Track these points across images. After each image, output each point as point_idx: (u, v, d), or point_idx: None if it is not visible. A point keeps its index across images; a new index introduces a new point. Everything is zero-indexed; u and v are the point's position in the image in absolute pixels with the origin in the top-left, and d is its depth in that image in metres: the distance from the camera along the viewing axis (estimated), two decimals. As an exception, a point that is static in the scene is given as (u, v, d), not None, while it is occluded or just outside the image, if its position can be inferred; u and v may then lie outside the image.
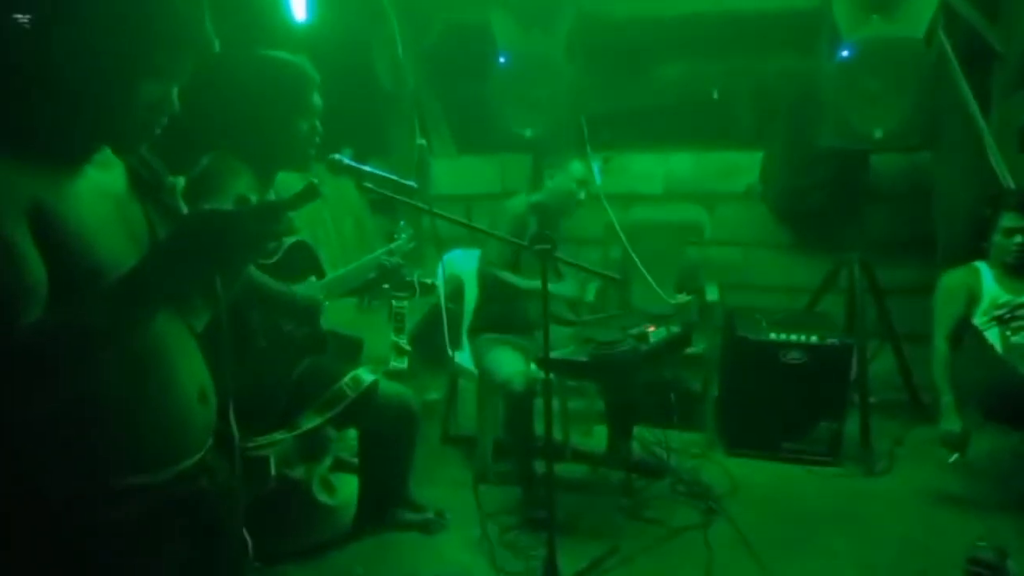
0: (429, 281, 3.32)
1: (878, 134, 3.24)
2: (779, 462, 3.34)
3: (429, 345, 3.59)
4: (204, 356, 1.33)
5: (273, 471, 2.35)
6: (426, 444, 3.24)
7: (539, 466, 2.93)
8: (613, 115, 4.51)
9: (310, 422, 2.39)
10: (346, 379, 2.46)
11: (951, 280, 3.14)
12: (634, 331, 2.88)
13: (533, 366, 2.94)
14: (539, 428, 2.76)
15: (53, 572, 1.15)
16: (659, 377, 3.48)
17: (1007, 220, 3.02)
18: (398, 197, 2.02)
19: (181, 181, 1.41)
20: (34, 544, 1.12)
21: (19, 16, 1.08)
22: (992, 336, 3.01)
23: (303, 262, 2.36)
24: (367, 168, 2.00)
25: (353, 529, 2.75)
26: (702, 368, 3.70)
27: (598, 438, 3.47)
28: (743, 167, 4.46)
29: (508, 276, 3.13)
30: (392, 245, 2.63)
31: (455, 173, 4.84)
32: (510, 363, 2.98)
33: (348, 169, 1.98)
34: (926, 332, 3.16)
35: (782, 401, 3.32)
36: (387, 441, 2.65)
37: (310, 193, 1.15)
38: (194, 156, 2.06)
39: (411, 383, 2.83)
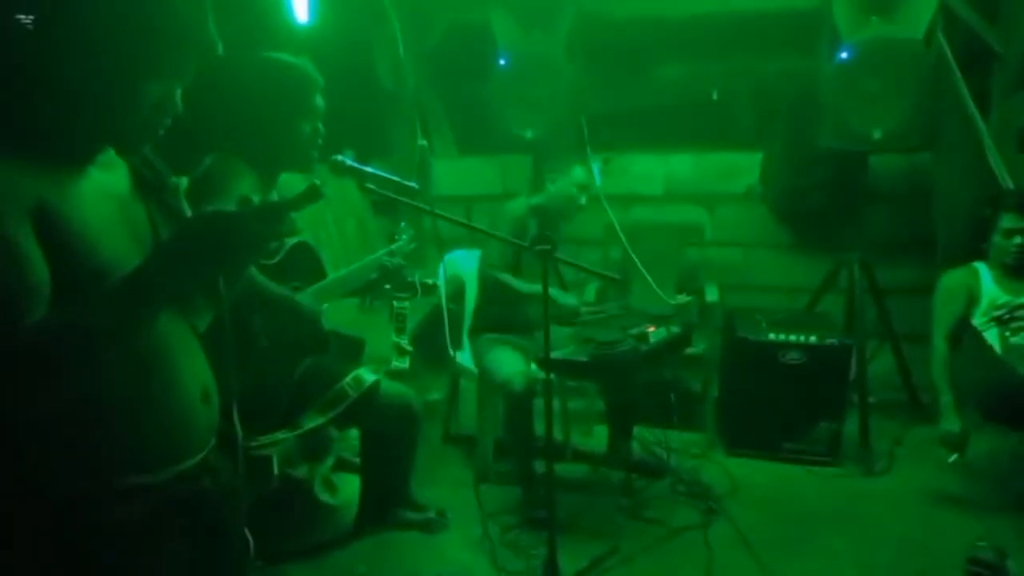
0: (430, 281, 3.33)
1: (877, 135, 3.24)
2: (779, 462, 3.34)
3: (430, 345, 3.60)
4: (207, 356, 1.34)
5: (275, 471, 2.35)
6: (427, 444, 3.24)
7: (539, 466, 2.94)
8: (613, 116, 4.51)
9: (312, 422, 2.39)
10: (348, 379, 2.46)
11: (950, 280, 3.15)
12: (634, 331, 2.88)
13: (533, 366, 2.95)
14: (539, 428, 2.77)
15: (55, 572, 1.15)
16: (659, 377, 3.49)
17: (1006, 221, 3.03)
18: (400, 198, 2.02)
19: (184, 182, 1.41)
20: (36, 544, 1.13)
21: (22, 17, 1.09)
22: (991, 337, 3.02)
23: (305, 263, 2.37)
24: (369, 169, 2.00)
25: (355, 528, 2.76)
26: (702, 368, 3.71)
27: (598, 438, 3.47)
28: (743, 168, 4.46)
29: (508, 279, 3.13)
30: (393, 246, 2.63)
31: (456, 174, 4.85)
32: (510, 363, 2.99)
33: (350, 170, 1.99)
34: (926, 332, 3.17)
35: (782, 401, 3.32)
36: (389, 441, 2.66)
37: (312, 194, 1.16)
38: (197, 157, 2.06)
39: (412, 383, 2.84)
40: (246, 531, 1.40)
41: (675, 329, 3.00)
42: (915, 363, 3.65)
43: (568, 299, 3.27)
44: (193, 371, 1.28)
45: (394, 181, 2.02)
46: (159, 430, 1.21)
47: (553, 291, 2.56)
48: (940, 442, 2.96)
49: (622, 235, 3.58)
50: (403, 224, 2.73)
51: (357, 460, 2.85)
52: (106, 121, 1.16)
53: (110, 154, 1.22)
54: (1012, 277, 3.04)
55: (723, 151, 4.57)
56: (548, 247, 2.20)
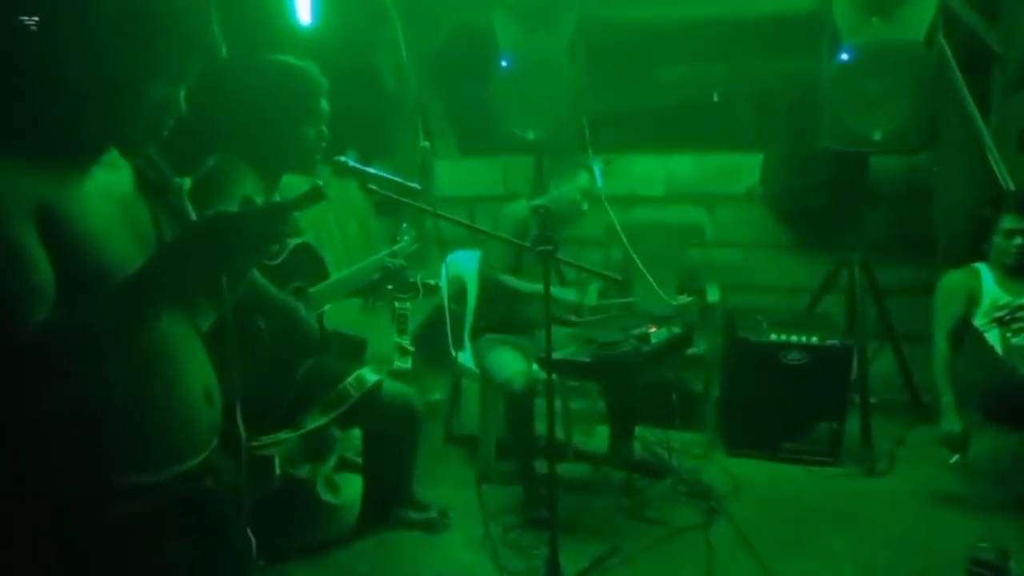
0: (432, 282, 3.34)
1: (877, 136, 3.25)
2: (780, 462, 3.34)
3: (432, 346, 3.60)
4: (209, 356, 1.34)
5: (278, 470, 2.36)
6: (429, 444, 3.25)
7: (541, 466, 2.95)
8: (615, 117, 4.51)
9: (314, 422, 2.40)
10: (350, 379, 2.47)
11: (951, 281, 3.15)
12: (636, 332, 2.89)
13: (535, 366, 2.95)
14: (541, 428, 2.77)
15: (55, 572, 1.15)
16: (660, 378, 3.49)
17: (1007, 222, 3.03)
18: (402, 199, 2.03)
19: (187, 182, 1.42)
20: (36, 544, 1.13)
21: (26, 18, 1.10)
22: (992, 338, 3.01)
23: (308, 264, 2.37)
24: (371, 170, 2.01)
25: (357, 528, 2.76)
26: (703, 369, 3.71)
27: (600, 438, 3.47)
28: (744, 169, 4.46)
29: (509, 279, 3.14)
30: (395, 247, 2.64)
31: (458, 175, 4.86)
32: (511, 363, 2.99)
33: (352, 171, 1.99)
34: (926, 332, 3.17)
35: (783, 402, 3.32)
36: (391, 441, 2.67)
37: (315, 195, 1.17)
38: (200, 158, 2.07)
39: (414, 383, 2.84)
40: (248, 531, 1.40)
41: (676, 329, 3.01)
42: (916, 363, 3.65)
43: (569, 295, 3.28)
44: (196, 371, 1.28)
45: (396, 182, 2.02)
46: (162, 430, 1.22)
47: (554, 289, 2.56)
48: (941, 442, 2.96)
49: (623, 236, 3.58)
50: (405, 225, 2.74)
51: (359, 460, 2.86)
52: (110, 122, 1.16)
53: (114, 155, 1.23)
54: (1013, 278, 3.04)
55: (724, 152, 4.57)
56: (550, 248, 2.21)
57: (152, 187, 1.29)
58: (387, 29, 3.95)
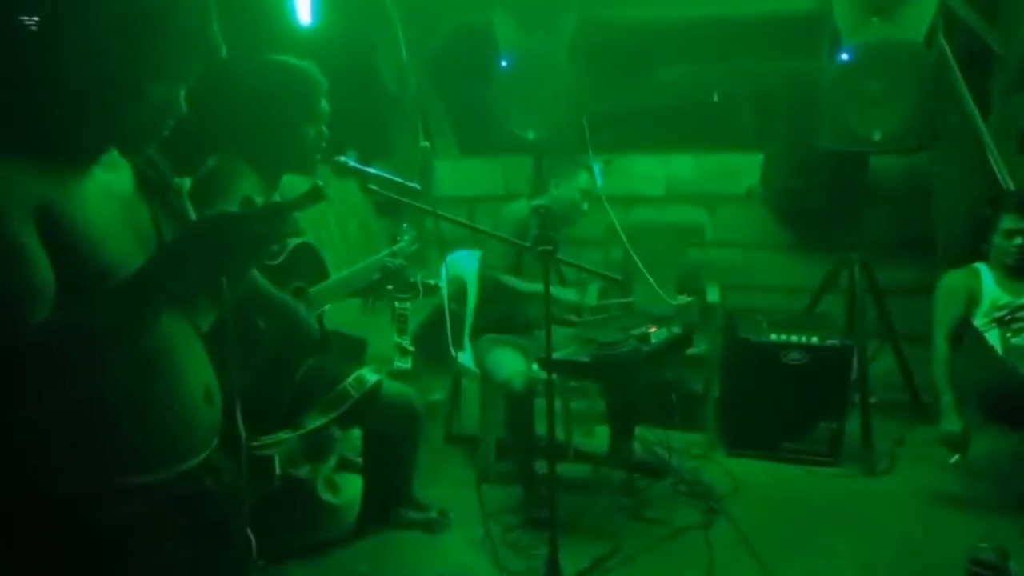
0: (432, 282, 3.34)
1: (877, 136, 3.25)
2: (780, 462, 3.34)
3: (432, 346, 3.60)
4: (209, 356, 1.34)
5: (278, 470, 2.35)
6: (429, 444, 3.25)
7: (541, 466, 2.95)
8: (615, 117, 4.52)
9: (314, 422, 2.40)
10: (350, 379, 2.47)
11: (951, 281, 3.15)
12: (636, 332, 2.89)
13: (535, 366, 2.95)
14: (541, 428, 2.77)
15: (55, 572, 1.15)
16: (660, 378, 3.50)
17: (1007, 222, 3.03)
18: (402, 199, 2.03)
19: (187, 182, 1.42)
20: (36, 544, 1.13)
21: (26, 18, 1.10)
22: (992, 338, 3.01)
23: (308, 264, 2.37)
24: (371, 170, 2.01)
25: (357, 528, 2.76)
26: (703, 369, 3.72)
27: (600, 438, 3.47)
28: (744, 169, 4.47)
29: (509, 279, 3.14)
30: (395, 247, 2.64)
31: (458, 175, 4.86)
32: (510, 363, 2.99)
33: (352, 171, 1.99)
34: (926, 332, 3.17)
35: (783, 402, 3.33)
36: (391, 441, 2.67)
37: (315, 195, 1.17)
38: (201, 158, 2.07)
39: (415, 383, 2.84)
40: (248, 531, 1.40)
41: (676, 329, 3.01)
42: (916, 363, 3.65)
43: (569, 295, 3.28)
44: (196, 371, 1.28)
45: (396, 182, 2.02)
46: (162, 430, 1.22)
47: (554, 289, 2.56)
48: (941, 442, 2.96)
49: (623, 236, 3.58)
50: (405, 225, 2.74)
51: (359, 460, 2.86)
52: (110, 122, 1.16)
53: (114, 155, 1.23)
54: (1013, 278, 3.04)
55: (724, 152, 4.57)
56: (550, 248, 2.21)
57: (152, 187, 1.29)
58: (387, 29, 3.95)
